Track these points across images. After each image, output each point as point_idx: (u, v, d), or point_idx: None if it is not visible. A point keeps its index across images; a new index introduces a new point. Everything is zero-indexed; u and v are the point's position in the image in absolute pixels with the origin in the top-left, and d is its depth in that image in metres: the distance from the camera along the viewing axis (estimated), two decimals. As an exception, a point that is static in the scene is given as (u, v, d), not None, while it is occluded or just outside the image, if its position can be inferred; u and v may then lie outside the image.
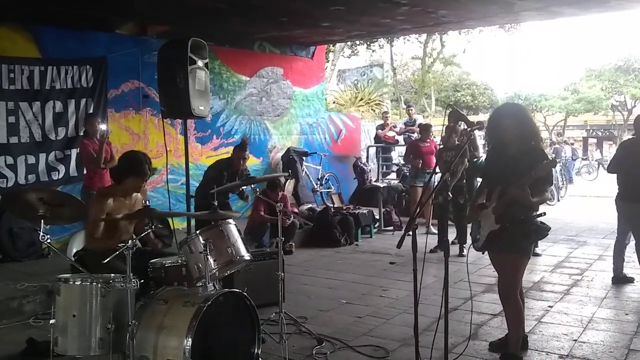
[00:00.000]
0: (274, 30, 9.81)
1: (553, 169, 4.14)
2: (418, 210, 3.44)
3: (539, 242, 7.29)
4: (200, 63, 6.17)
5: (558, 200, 14.09)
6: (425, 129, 9.41)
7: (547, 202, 11.32)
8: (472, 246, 4.14)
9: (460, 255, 7.39)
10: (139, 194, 4.35)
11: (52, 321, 3.19)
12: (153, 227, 3.70)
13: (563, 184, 15.47)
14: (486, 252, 4.11)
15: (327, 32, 10.42)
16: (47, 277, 3.37)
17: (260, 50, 10.76)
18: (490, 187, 3.96)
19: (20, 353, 4.15)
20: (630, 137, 6.24)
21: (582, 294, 5.80)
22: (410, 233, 3.26)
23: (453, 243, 7.48)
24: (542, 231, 3.90)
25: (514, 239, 3.80)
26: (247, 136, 8.52)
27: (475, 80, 32.05)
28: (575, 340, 4.48)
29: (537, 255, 7.38)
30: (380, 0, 7.87)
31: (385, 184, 10.86)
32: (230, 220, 3.86)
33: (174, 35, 7.92)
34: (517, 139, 3.82)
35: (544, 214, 3.89)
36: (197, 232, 3.66)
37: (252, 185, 5.25)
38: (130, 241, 3.21)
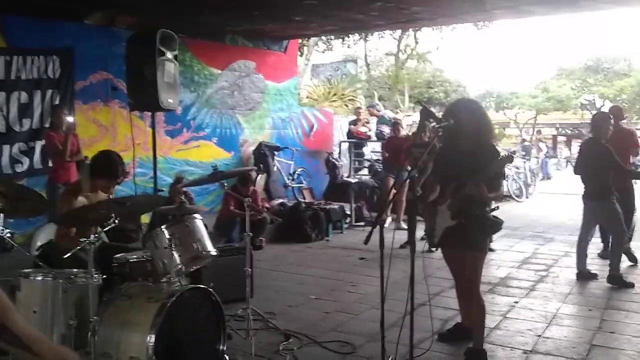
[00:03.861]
0: (247, 23, 9.72)
1: (515, 165, 4.19)
2: (386, 206, 3.45)
3: (499, 239, 7.40)
4: (169, 55, 6.08)
5: (527, 197, 14.29)
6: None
7: (516, 198, 11.34)
8: (426, 243, 4.17)
9: (429, 251, 7.42)
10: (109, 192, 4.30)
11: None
12: (117, 221, 3.63)
13: (532, 181, 15.68)
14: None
15: (300, 26, 10.37)
16: (10, 272, 3.28)
17: (232, 44, 10.65)
18: (444, 183, 3.92)
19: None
20: (590, 136, 6.34)
21: (547, 290, 5.89)
22: (378, 229, 3.27)
23: (422, 239, 7.51)
24: (497, 225, 3.94)
25: (472, 235, 3.81)
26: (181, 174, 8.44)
27: (448, 77, 32.25)
28: (539, 336, 4.54)
29: (492, 250, 7.44)
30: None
31: (356, 180, 10.88)
32: (196, 215, 3.82)
33: (144, 26, 7.80)
34: (473, 134, 3.81)
35: (497, 208, 3.93)
36: (162, 227, 3.60)
37: (222, 181, 5.21)
38: (92, 235, 3.15)
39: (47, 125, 7.35)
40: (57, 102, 7.67)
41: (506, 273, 6.58)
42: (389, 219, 8.95)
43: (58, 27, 7.84)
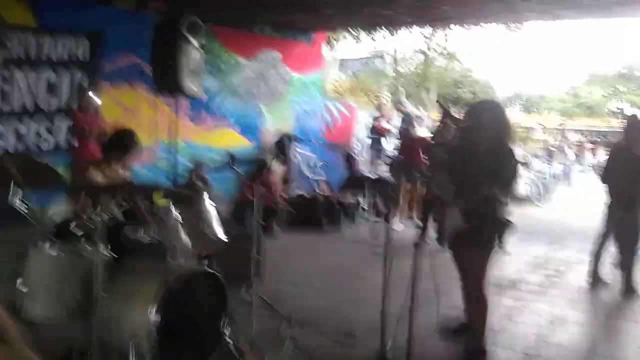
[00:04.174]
0: (275, 14, 9.78)
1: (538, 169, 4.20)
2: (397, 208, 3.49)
3: (514, 241, 7.33)
4: (195, 42, 6.19)
5: (547, 202, 14.13)
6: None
7: (536, 202, 11.19)
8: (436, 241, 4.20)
9: (441, 249, 7.44)
10: (124, 171, 4.40)
11: (20, 286, 3.23)
12: (132, 203, 3.74)
13: (554, 186, 15.48)
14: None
15: (328, 19, 10.39)
16: (22, 243, 3.42)
17: (260, 34, 10.72)
18: (460, 183, 3.94)
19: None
20: (622, 142, 6.11)
21: (556, 295, 5.88)
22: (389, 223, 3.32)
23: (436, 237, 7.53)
24: (508, 227, 3.95)
25: (482, 236, 3.84)
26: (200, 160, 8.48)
27: (477, 77, 31.99)
28: (543, 340, 4.55)
29: (505, 252, 7.40)
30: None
31: (375, 176, 10.89)
32: (209, 201, 3.90)
33: (173, 12, 7.90)
34: (493, 136, 3.83)
35: (508, 210, 3.94)
36: (172, 208, 3.69)
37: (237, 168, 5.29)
38: (104, 213, 3.25)
39: (74, 105, 7.52)
40: (85, 83, 7.84)
41: (517, 276, 6.57)
42: (397, 220, 8.86)
43: (89, 9, 7.97)
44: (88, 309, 3.17)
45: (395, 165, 10.42)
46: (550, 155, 18.47)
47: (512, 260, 7.31)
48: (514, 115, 25.86)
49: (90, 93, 7.22)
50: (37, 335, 2.65)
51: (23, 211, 3.32)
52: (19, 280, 3.23)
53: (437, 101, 17.85)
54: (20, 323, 3.12)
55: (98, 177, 4.13)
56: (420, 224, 8.25)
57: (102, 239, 3.19)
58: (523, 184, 12.51)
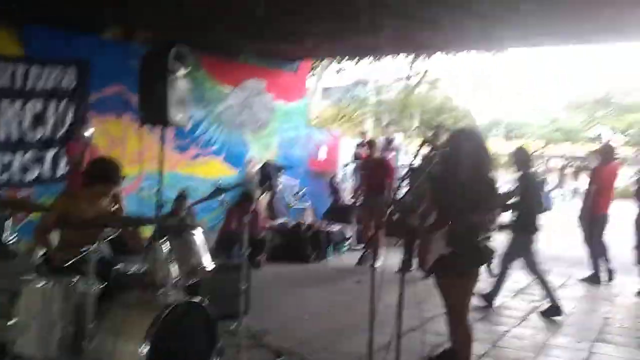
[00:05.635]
0: (260, 42, 9.92)
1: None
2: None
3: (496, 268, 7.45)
4: (181, 72, 6.25)
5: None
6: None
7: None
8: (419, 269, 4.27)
9: (424, 277, 7.48)
10: (111, 201, 4.39)
11: (11, 322, 3.24)
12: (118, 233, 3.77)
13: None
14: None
15: (312, 48, 10.57)
16: (12, 279, 3.42)
17: (245, 62, 10.85)
18: (441, 211, 3.99)
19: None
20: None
21: (539, 321, 5.96)
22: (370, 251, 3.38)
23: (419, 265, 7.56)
24: (489, 254, 4.03)
25: (464, 262, 3.91)
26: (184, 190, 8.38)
27: (457, 104, 32.42)
28: (526, 366, 4.63)
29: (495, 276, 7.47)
30: (364, 22, 8.02)
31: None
32: (196, 231, 3.95)
33: (159, 42, 7.99)
34: (472, 166, 3.91)
35: (490, 237, 4.02)
36: (161, 239, 3.74)
37: (224, 197, 5.35)
38: (94, 245, 3.29)
39: (59, 135, 7.54)
40: (71, 112, 7.87)
41: (500, 302, 6.64)
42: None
43: (76, 39, 8.04)
44: (79, 343, 3.18)
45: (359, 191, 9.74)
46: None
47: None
48: (495, 142, 26.17)
49: (85, 123, 7.25)
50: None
51: (11, 245, 3.33)
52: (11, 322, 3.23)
53: (417, 127, 18.03)
54: None
55: (81, 207, 4.10)
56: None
57: (92, 271, 3.22)
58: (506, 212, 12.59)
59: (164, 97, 6.03)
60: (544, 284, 6.24)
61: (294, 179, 11.54)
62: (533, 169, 6.58)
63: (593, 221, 7.74)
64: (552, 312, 6.06)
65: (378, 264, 4.92)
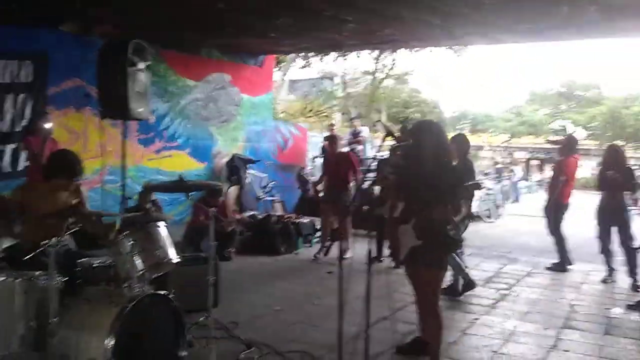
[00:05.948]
0: (223, 38, 9.81)
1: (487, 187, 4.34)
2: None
3: (466, 257, 7.52)
4: (141, 65, 6.13)
5: (496, 218, 14.50)
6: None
7: (485, 219, 11.45)
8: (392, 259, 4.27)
9: (396, 267, 7.52)
10: (72, 194, 4.28)
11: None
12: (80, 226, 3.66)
13: (502, 203, 15.90)
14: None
15: (275, 42, 10.49)
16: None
17: (208, 57, 10.71)
18: (408, 202, 4.00)
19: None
20: None
21: (507, 308, 6.02)
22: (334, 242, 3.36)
23: (389, 255, 7.60)
24: (456, 243, 4.06)
25: (434, 253, 3.92)
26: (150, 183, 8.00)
27: (425, 98, 32.73)
28: (495, 352, 4.66)
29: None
30: (327, 17, 7.97)
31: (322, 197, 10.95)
32: (160, 223, 3.86)
33: (119, 36, 7.82)
34: (432, 156, 3.92)
35: (457, 227, 4.04)
36: (125, 233, 3.64)
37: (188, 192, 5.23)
38: (54, 239, 3.17)
39: (18, 129, 7.33)
40: (29, 106, 7.65)
41: (469, 291, 6.69)
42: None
43: (33, 33, 7.80)
44: (43, 338, 3.07)
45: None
46: (498, 172, 18.99)
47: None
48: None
49: (43, 118, 7.05)
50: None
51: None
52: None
53: (377, 121, 18.08)
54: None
55: (39, 201, 4.01)
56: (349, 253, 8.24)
57: (54, 265, 3.11)
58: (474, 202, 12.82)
59: (123, 90, 5.91)
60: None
61: (262, 172, 11.45)
62: (470, 157, 6.45)
63: (558, 210, 7.86)
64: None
65: (347, 255, 4.93)
